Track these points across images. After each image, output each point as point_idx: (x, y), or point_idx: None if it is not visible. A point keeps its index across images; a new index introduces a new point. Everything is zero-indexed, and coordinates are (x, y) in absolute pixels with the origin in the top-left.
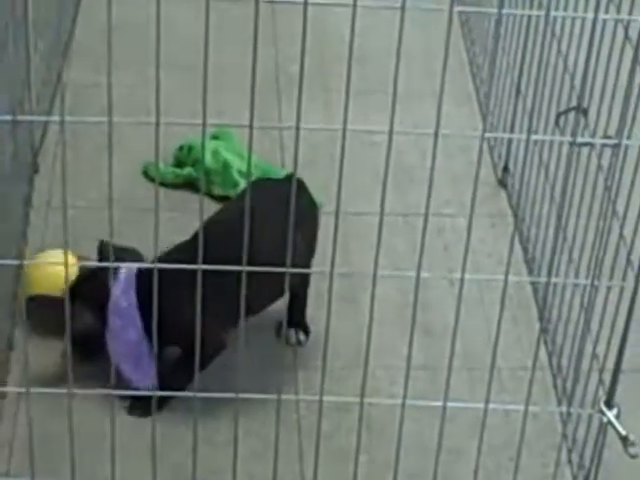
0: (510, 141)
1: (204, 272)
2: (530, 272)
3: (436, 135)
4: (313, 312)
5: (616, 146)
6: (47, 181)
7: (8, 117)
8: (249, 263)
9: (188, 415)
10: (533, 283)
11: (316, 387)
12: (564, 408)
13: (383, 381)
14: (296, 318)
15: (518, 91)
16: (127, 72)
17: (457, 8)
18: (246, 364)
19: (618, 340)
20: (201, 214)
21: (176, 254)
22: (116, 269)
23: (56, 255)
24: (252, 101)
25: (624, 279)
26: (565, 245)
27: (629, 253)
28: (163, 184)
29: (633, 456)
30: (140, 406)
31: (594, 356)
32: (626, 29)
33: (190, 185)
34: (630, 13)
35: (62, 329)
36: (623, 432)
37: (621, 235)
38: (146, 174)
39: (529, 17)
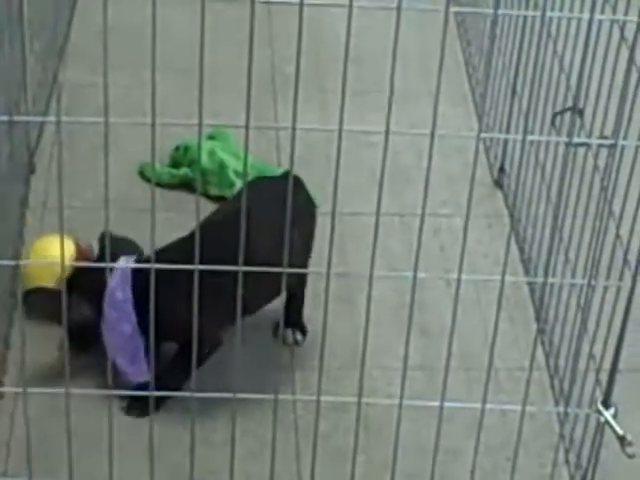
0: (506, 141)
1: (201, 271)
2: (527, 272)
3: (432, 135)
4: (310, 312)
5: (612, 146)
6: (43, 181)
7: (4, 118)
8: (246, 263)
9: (185, 415)
10: (530, 283)
11: (313, 387)
12: (561, 408)
13: (380, 381)
14: (293, 318)
15: (514, 91)
16: (123, 73)
17: (453, 9)
18: (243, 364)
19: (615, 340)
20: (197, 214)
21: (173, 252)
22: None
23: (53, 240)
24: (248, 101)
25: (621, 279)
26: (562, 245)
27: (625, 253)
28: (159, 184)
29: (630, 456)
30: (138, 406)
31: (591, 356)
32: (622, 30)
33: (186, 185)
34: (626, 14)
35: (59, 321)
36: (620, 432)
37: (617, 235)
38: (142, 174)
39: (525, 18)
